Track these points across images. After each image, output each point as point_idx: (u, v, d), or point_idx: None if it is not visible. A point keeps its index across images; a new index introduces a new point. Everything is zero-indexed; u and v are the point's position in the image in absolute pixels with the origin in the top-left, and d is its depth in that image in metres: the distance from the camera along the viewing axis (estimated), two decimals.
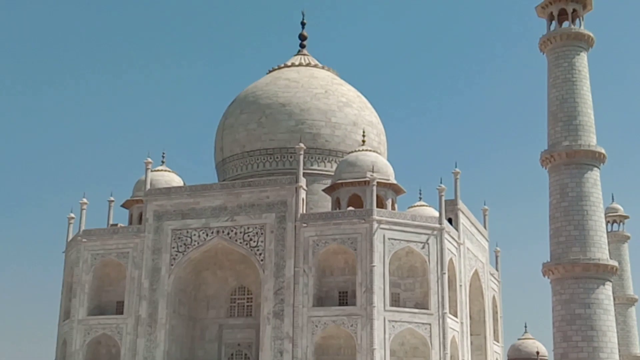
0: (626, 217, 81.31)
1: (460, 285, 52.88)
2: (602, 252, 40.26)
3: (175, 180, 57.07)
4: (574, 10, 43.91)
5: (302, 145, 52.69)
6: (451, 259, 51.40)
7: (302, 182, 51.02)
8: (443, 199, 51.35)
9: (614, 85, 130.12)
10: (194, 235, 52.16)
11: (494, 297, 63.17)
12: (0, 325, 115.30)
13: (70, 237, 56.92)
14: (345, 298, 49.32)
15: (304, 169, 52.12)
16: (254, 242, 50.65)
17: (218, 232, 51.69)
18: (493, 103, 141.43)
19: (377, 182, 50.58)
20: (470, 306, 56.30)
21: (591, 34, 43.50)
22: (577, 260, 39.61)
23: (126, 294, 52.85)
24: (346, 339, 48.11)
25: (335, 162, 58.27)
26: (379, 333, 46.73)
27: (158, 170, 57.15)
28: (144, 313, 51.80)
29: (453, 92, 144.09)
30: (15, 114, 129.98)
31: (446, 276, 49.48)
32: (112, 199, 59.63)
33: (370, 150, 55.18)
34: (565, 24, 43.94)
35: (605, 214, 74.09)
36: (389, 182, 52.92)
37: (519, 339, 78.87)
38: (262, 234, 50.59)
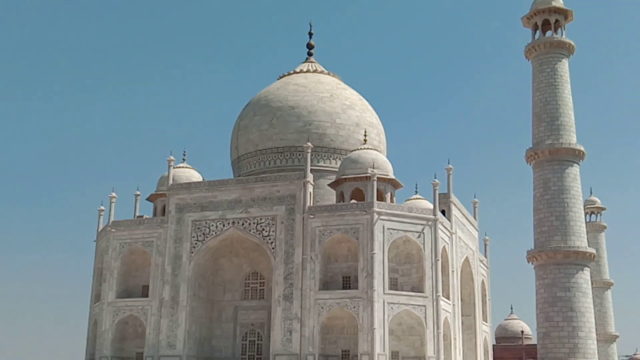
0: (603, 209, 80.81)
1: (453, 271, 52.67)
2: (581, 241, 39.89)
3: (195, 176, 56.95)
4: (557, 21, 43.49)
5: (309, 144, 52.50)
6: (444, 247, 51.16)
7: (310, 177, 50.84)
8: (437, 192, 51.09)
9: (593, 89, 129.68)
10: (212, 225, 52.03)
11: (482, 282, 62.97)
12: (38, 308, 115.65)
13: (101, 227, 56.87)
14: (348, 282, 49.18)
15: (311, 165, 51.94)
16: (266, 232, 50.50)
17: (233, 222, 51.54)
18: (482, 105, 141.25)
19: (377, 178, 50.35)
20: (461, 290, 56.12)
21: (572, 43, 43.09)
22: (559, 248, 39.22)
23: (151, 279, 52.82)
24: (349, 320, 47.97)
25: (340, 159, 58.06)
26: (379, 314, 46.56)
27: (179, 167, 57.07)
28: (167, 296, 51.74)
29: (447, 96, 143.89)
30: (54, 118, 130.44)
31: (439, 262, 49.25)
32: (138, 193, 59.65)
33: (371, 149, 54.93)
34: (549, 33, 43.50)
35: (584, 206, 73.60)
36: (388, 177, 52.67)
37: (505, 320, 78.68)
38: (273, 224, 50.44)
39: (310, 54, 67.78)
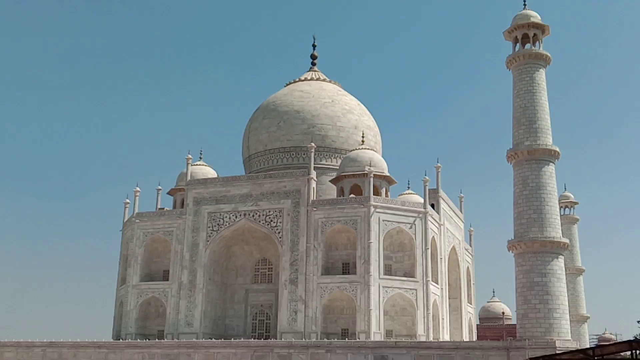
0: (576, 203, 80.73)
1: (441, 258, 52.85)
2: (556, 232, 39.97)
3: (211, 173, 57.14)
4: (535, 35, 43.55)
5: (313, 144, 52.68)
6: (433, 237, 51.33)
7: (313, 174, 51.04)
8: (427, 188, 51.30)
9: (567, 95, 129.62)
10: (226, 217, 52.25)
11: (467, 268, 63.13)
12: (69, 290, 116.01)
13: (126, 218, 57.13)
14: (347, 268, 49.42)
15: (314, 163, 52.17)
16: (274, 222, 50.71)
17: (245, 214, 51.75)
18: (468, 110, 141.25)
19: (374, 175, 50.53)
20: (448, 275, 56.32)
21: (548, 54, 43.13)
22: (536, 238, 39.28)
23: (171, 264, 53.08)
24: (348, 301, 48.19)
25: (340, 158, 58.20)
26: (375, 297, 46.80)
27: (197, 165, 57.24)
28: (185, 280, 51.99)
29: (437, 102, 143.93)
30: (87, 121, 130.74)
31: (429, 251, 49.48)
32: (159, 187, 59.90)
33: (368, 149, 55.06)
34: (528, 46, 43.55)
35: (559, 201, 73.73)
36: (383, 174, 52.83)
37: (488, 302, 78.71)
38: (280, 216, 50.64)
39: (313, 64, 67.86)
